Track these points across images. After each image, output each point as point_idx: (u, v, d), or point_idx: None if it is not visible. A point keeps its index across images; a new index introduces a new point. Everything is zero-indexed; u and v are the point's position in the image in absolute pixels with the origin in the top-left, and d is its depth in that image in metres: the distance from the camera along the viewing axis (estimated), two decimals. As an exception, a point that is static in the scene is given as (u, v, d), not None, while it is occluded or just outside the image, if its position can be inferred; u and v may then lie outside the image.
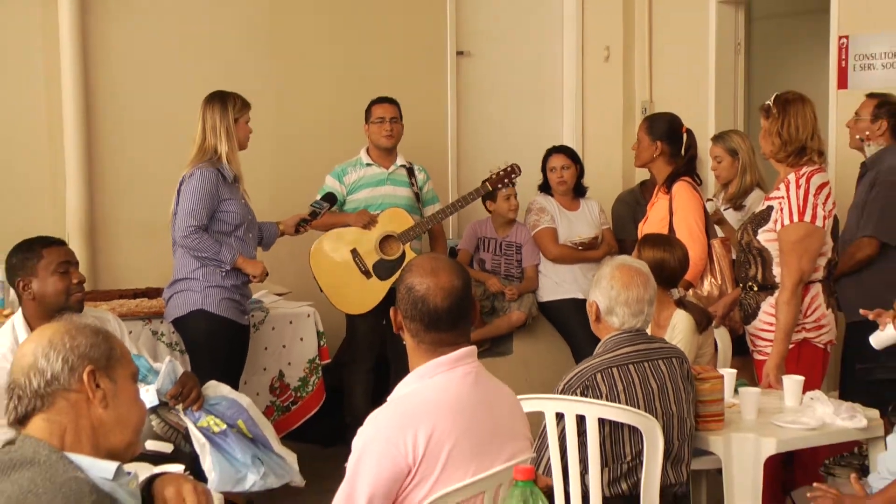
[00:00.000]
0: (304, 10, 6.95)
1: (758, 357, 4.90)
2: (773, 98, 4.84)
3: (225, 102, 5.36)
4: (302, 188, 6.24)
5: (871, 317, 4.22)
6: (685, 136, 5.65)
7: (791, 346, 4.73)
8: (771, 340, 4.77)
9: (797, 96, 4.84)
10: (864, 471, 4.17)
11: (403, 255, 6.06)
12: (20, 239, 4.28)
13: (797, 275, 4.67)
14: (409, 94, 6.57)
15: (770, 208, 4.80)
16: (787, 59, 8.02)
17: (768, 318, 4.79)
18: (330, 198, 5.99)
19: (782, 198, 4.74)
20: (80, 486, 2.09)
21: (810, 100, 4.87)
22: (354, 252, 6.08)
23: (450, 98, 7.58)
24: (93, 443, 2.22)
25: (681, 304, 4.77)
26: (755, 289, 4.87)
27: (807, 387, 4.38)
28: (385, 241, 6.09)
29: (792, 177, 4.74)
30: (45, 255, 4.14)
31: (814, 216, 4.67)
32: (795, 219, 4.68)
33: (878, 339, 4.13)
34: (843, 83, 6.83)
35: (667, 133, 5.61)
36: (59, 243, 4.28)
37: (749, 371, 5.25)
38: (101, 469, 2.16)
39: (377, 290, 6.00)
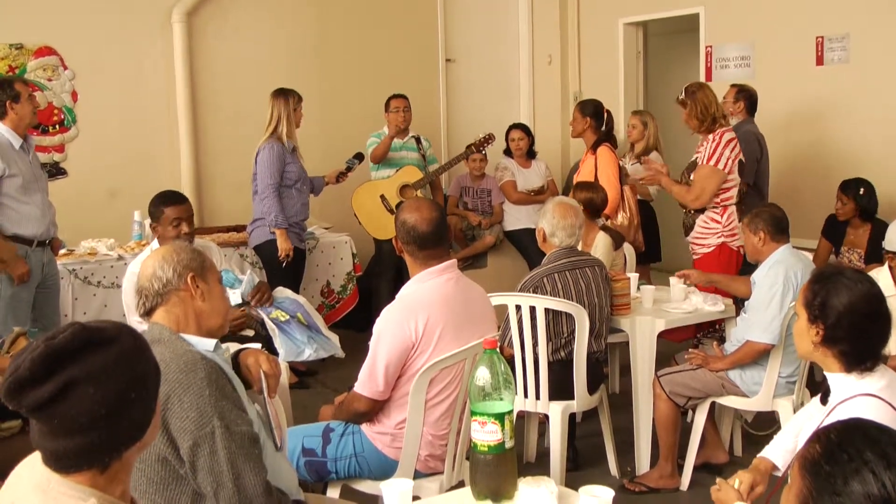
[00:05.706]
0: (338, 31, 6.81)
1: (694, 257, 4.84)
2: (683, 92, 4.75)
3: (286, 96, 5.27)
4: (340, 151, 6.09)
5: None
6: (606, 115, 5.54)
7: (713, 248, 4.69)
8: (703, 245, 4.72)
9: (697, 85, 4.81)
10: (722, 340, 4.21)
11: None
12: (152, 193, 4.00)
13: (696, 196, 4.68)
14: (414, 90, 6.43)
15: (697, 159, 4.76)
16: (671, 62, 7.92)
17: (700, 230, 4.73)
18: (359, 156, 5.89)
19: (703, 150, 4.71)
20: (193, 356, 2.08)
21: (706, 83, 4.79)
22: (382, 197, 5.97)
23: (441, 91, 7.45)
24: (197, 325, 2.21)
25: (604, 228, 4.69)
26: (692, 211, 4.78)
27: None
28: (403, 188, 5.98)
29: (711, 136, 4.70)
30: (166, 211, 3.86)
31: (717, 161, 4.63)
32: (706, 162, 4.66)
33: None
34: (708, 78, 6.81)
35: (593, 112, 5.50)
36: (180, 202, 3.95)
37: (647, 275, 5.17)
38: (205, 344, 2.17)
39: None
